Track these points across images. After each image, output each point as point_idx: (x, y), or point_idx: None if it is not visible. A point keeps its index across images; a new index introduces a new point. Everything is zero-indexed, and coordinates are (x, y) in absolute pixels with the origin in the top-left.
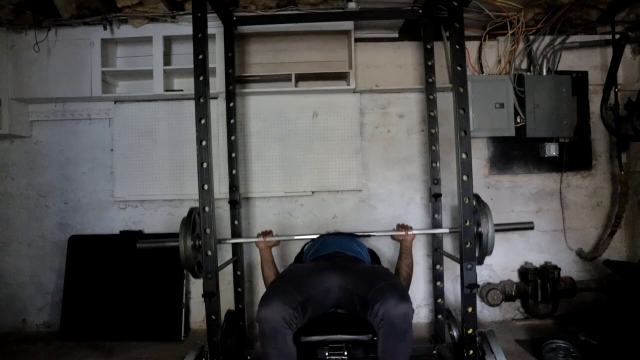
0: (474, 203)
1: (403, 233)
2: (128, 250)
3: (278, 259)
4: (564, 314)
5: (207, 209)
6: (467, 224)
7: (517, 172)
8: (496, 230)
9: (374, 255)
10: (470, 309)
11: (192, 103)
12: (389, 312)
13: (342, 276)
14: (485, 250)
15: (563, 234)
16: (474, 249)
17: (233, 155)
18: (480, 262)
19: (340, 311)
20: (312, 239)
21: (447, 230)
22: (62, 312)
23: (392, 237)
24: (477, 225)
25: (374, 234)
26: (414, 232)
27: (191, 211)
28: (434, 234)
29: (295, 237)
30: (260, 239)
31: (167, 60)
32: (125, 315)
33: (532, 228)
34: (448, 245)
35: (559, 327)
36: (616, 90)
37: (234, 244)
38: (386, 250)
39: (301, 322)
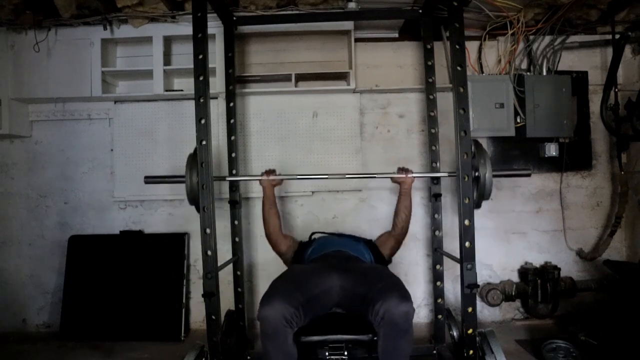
0: (473, 149)
1: (403, 175)
2: (128, 250)
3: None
4: (564, 314)
5: (207, 209)
6: (467, 223)
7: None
8: (494, 176)
9: (374, 248)
10: (470, 309)
11: (192, 103)
12: (390, 311)
13: (343, 276)
14: (483, 193)
15: (563, 234)
16: (473, 249)
17: (233, 155)
18: (478, 205)
19: (340, 311)
20: (311, 240)
21: (445, 174)
22: (62, 312)
23: (392, 179)
24: (476, 169)
25: (375, 176)
26: (414, 175)
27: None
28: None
29: (299, 177)
30: (264, 177)
31: (167, 60)
32: (126, 315)
33: (529, 175)
34: (448, 245)
35: (559, 327)
36: (616, 90)
37: (233, 244)
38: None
39: (302, 321)
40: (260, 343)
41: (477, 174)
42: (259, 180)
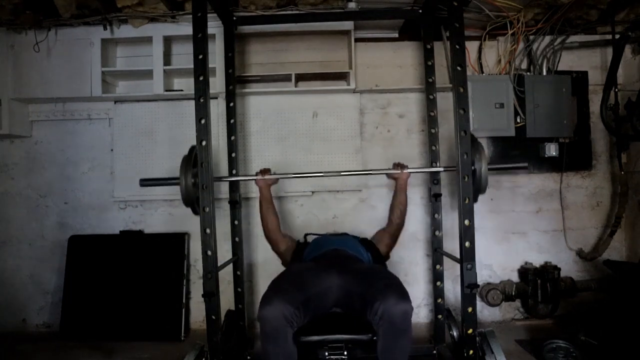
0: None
1: (399, 171)
2: (128, 250)
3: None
4: (564, 314)
5: (207, 209)
6: (467, 223)
7: (517, 172)
8: (490, 169)
9: (371, 246)
10: (470, 309)
11: (192, 103)
12: (389, 310)
13: (342, 275)
14: (479, 187)
15: (563, 234)
16: (473, 249)
17: (233, 155)
18: (475, 199)
19: (340, 311)
20: (311, 241)
21: (442, 169)
22: (62, 312)
23: (388, 175)
24: (472, 163)
25: (371, 172)
26: (409, 170)
27: (192, 149)
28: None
29: (293, 175)
30: (260, 176)
31: (167, 60)
32: (126, 315)
33: (526, 168)
34: (448, 245)
35: (559, 327)
36: (616, 90)
37: (233, 244)
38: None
39: (302, 321)
40: (260, 343)
41: (472, 167)
42: (255, 180)
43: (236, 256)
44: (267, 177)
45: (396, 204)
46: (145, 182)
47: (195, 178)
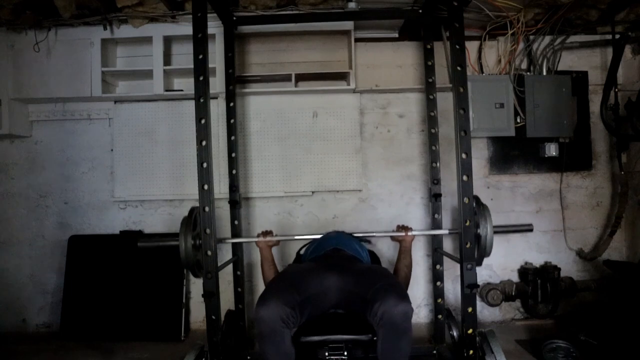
0: (474, 204)
1: (403, 234)
2: (128, 250)
3: (278, 259)
4: (564, 314)
5: (207, 209)
6: (467, 224)
7: (517, 172)
8: (495, 232)
9: (374, 256)
10: (470, 309)
11: (192, 103)
12: (389, 311)
13: (341, 276)
14: (484, 252)
15: (563, 234)
16: (473, 249)
17: (233, 155)
18: (479, 263)
19: (340, 311)
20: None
21: (446, 232)
22: (62, 312)
23: (392, 238)
24: (477, 227)
25: (374, 234)
26: (414, 233)
27: (192, 210)
28: (434, 235)
29: (296, 237)
30: (261, 238)
31: (167, 60)
32: (125, 315)
33: (531, 230)
34: (448, 245)
35: (559, 327)
36: (616, 90)
37: (234, 244)
38: (386, 251)
39: (299, 321)
40: (257, 343)
41: (477, 231)
42: (255, 242)
43: (236, 256)
44: (268, 239)
45: (400, 267)
46: (143, 243)
47: (195, 240)
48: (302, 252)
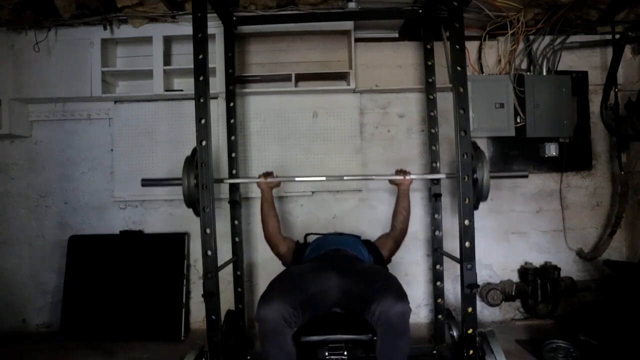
0: (471, 151)
1: (401, 177)
2: (128, 250)
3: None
4: (564, 314)
5: (207, 209)
6: (467, 223)
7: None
8: (492, 177)
9: (373, 248)
10: (470, 309)
11: (192, 103)
12: (387, 311)
13: (341, 276)
14: (481, 195)
15: (563, 234)
16: (473, 248)
17: (233, 155)
18: (476, 207)
19: (340, 311)
20: (307, 241)
21: (444, 176)
22: (62, 312)
23: (390, 181)
24: (474, 172)
25: (373, 178)
26: (412, 176)
27: (194, 151)
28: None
29: (296, 179)
30: (262, 179)
31: (167, 60)
32: (126, 315)
33: (526, 176)
34: (448, 245)
35: (559, 327)
36: (616, 90)
37: (233, 244)
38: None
39: (301, 321)
40: (259, 343)
41: (475, 175)
42: (257, 182)
43: (236, 256)
44: (269, 179)
45: (399, 209)
46: (147, 182)
47: (197, 179)
48: (309, 238)
